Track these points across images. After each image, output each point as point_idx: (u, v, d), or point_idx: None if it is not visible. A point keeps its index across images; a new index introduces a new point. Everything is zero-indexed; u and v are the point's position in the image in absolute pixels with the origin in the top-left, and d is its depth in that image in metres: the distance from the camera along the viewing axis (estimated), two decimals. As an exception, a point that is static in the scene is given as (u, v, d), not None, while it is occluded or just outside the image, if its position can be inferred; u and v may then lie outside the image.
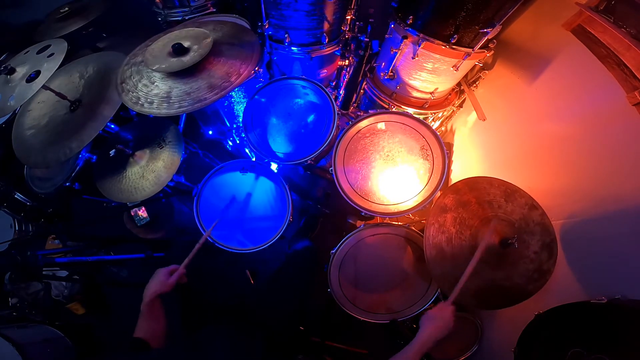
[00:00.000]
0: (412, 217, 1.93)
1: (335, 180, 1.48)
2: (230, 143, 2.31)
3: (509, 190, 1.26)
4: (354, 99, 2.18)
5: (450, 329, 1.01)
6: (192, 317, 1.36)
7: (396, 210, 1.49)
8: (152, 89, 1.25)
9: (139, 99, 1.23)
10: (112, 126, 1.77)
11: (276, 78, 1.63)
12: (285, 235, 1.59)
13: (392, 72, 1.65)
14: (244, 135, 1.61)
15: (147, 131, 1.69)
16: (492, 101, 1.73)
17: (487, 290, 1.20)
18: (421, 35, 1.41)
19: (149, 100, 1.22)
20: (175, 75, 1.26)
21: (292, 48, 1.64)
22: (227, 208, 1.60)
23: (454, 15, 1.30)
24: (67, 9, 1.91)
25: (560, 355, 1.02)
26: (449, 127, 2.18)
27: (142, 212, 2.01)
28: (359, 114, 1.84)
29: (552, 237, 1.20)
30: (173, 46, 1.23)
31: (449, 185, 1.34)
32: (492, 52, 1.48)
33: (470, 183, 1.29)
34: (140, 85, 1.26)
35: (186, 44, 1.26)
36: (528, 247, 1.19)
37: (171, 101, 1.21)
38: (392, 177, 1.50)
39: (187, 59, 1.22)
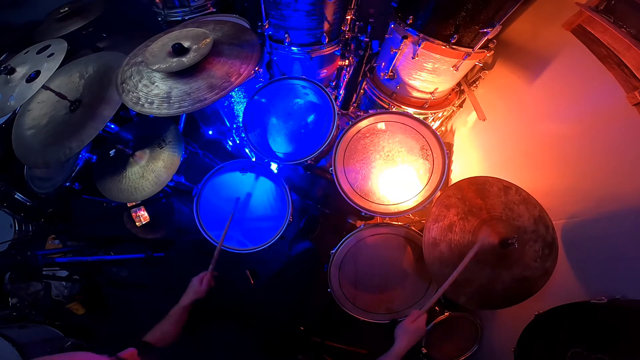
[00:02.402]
0: (412, 217, 1.94)
1: (335, 180, 1.48)
2: (230, 143, 2.31)
3: (479, 186, 1.24)
4: (354, 99, 2.18)
5: (422, 335, 1.11)
6: (192, 316, 1.36)
7: (396, 210, 1.49)
8: (153, 89, 1.25)
9: (139, 99, 1.23)
10: (112, 126, 1.77)
11: (276, 78, 1.63)
12: (285, 236, 1.59)
13: (392, 72, 1.65)
14: (244, 135, 1.61)
15: (147, 131, 1.69)
16: (492, 101, 1.73)
17: (515, 287, 1.18)
18: (421, 35, 1.41)
19: (149, 100, 1.22)
20: (175, 76, 1.26)
21: (292, 48, 1.64)
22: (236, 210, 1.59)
23: (454, 15, 1.30)
24: (67, 9, 1.91)
25: (560, 355, 1.02)
26: (449, 127, 2.18)
27: (142, 212, 2.01)
28: (359, 114, 1.84)
29: (538, 206, 1.20)
30: (173, 46, 1.23)
31: (439, 195, 1.30)
32: (492, 52, 1.48)
33: (443, 202, 1.25)
34: (140, 85, 1.26)
35: (186, 44, 1.26)
36: (525, 231, 1.18)
37: (171, 101, 1.21)
38: (392, 177, 1.50)
39: (187, 59, 1.22)
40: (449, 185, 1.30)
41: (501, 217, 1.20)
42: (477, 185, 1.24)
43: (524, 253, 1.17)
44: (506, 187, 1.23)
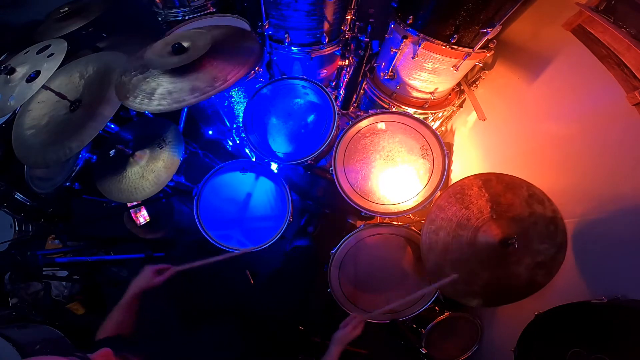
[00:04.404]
0: (412, 217, 1.93)
1: (335, 180, 1.48)
2: (230, 143, 2.31)
3: (458, 195, 1.20)
4: (354, 99, 2.18)
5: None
6: (191, 316, 1.36)
7: (396, 210, 1.49)
8: (142, 84, 1.24)
9: (128, 91, 1.24)
10: (112, 126, 1.77)
11: (276, 78, 1.63)
12: (285, 235, 1.59)
13: (392, 72, 1.65)
14: (244, 135, 1.61)
15: (147, 131, 1.69)
16: (492, 101, 1.73)
17: (534, 275, 1.16)
18: (421, 35, 1.41)
19: (135, 94, 1.22)
20: (167, 73, 1.26)
21: (292, 48, 1.64)
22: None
23: (454, 15, 1.30)
24: (67, 9, 1.91)
25: (560, 355, 1.02)
26: (449, 127, 2.18)
27: (143, 212, 2.01)
28: (359, 114, 1.84)
29: (524, 185, 1.16)
30: (173, 46, 1.23)
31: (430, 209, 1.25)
32: (492, 52, 1.48)
33: (430, 228, 1.22)
34: (134, 79, 1.26)
35: (186, 44, 1.26)
36: (522, 220, 1.15)
37: (152, 97, 1.20)
38: (392, 177, 1.50)
39: (178, 60, 1.21)
40: (431, 205, 1.26)
41: (492, 217, 1.17)
42: (456, 195, 1.20)
43: (530, 241, 1.14)
44: (485, 180, 1.18)
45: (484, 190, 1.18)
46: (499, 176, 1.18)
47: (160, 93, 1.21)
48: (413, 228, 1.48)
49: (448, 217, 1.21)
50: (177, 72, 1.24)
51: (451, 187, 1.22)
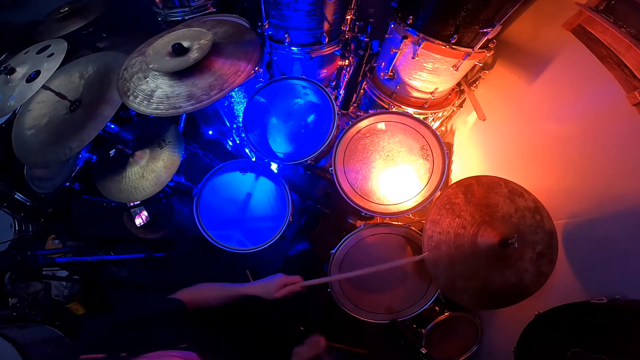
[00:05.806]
0: (412, 217, 1.93)
1: (335, 180, 1.48)
2: (230, 143, 2.31)
3: (447, 205, 1.20)
4: (354, 99, 2.18)
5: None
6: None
7: (396, 210, 1.49)
8: (142, 84, 1.25)
9: (128, 89, 1.24)
10: (112, 126, 1.77)
11: (276, 78, 1.63)
12: (285, 236, 1.59)
13: (392, 72, 1.65)
14: (244, 135, 1.61)
15: (147, 131, 1.69)
16: (492, 101, 1.73)
17: (539, 266, 1.17)
18: (421, 35, 1.40)
19: (135, 93, 1.22)
20: (164, 76, 1.26)
21: (292, 48, 1.64)
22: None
23: (454, 15, 1.30)
24: (67, 9, 1.91)
25: (560, 355, 1.02)
26: (449, 127, 2.18)
27: (143, 214, 2.01)
28: (359, 114, 1.84)
29: (502, 182, 1.18)
30: (173, 46, 1.23)
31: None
32: (492, 52, 1.48)
33: (430, 245, 1.22)
34: (135, 77, 1.26)
35: (187, 44, 1.26)
36: (511, 216, 1.16)
37: (151, 100, 1.21)
38: (392, 177, 1.50)
39: (177, 63, 1.21)
40: (426, 220, 1.25)
41: (484, 219, 1.19)
42: (445, 206, 1.21)
43: (524, 234, 1.16)
44: (467, 186, 1.20)
45: (469, 196, 1.20)
46: (477, 179, 1.21)
47: (158, 96, 1.21)
48: (413, 228, 1.47)
49: (445, 230, 1.22)
50: (177, 74, 1.24)
51: (438, 199, 1.24)
